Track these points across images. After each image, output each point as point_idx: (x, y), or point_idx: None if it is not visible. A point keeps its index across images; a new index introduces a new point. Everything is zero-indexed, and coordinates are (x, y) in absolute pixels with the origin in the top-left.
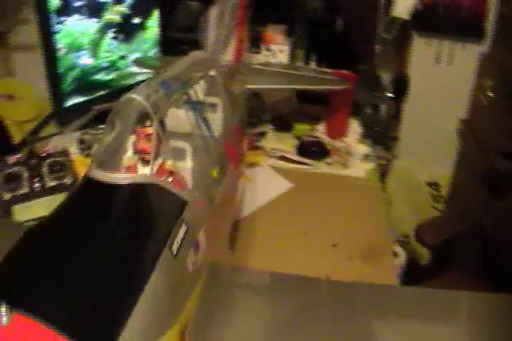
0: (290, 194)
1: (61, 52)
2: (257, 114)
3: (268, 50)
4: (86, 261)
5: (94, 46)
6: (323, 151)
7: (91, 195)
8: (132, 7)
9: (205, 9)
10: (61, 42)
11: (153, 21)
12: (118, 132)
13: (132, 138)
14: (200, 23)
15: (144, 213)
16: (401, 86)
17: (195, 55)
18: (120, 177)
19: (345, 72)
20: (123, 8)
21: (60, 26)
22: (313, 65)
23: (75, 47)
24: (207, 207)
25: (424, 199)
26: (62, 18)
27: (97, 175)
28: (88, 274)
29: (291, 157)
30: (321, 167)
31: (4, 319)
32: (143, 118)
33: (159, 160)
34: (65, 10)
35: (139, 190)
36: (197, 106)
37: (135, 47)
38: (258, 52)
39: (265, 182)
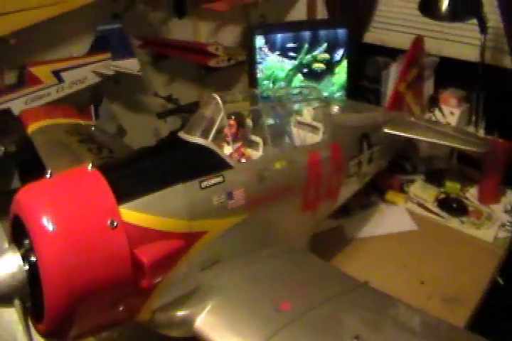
0: (410, 234)
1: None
2: (412, 163)
3: (440, 110)
4: (155, 168)
5: (288, 81)
6: (462, 209)
7: (173, 142)
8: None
9: (389, 65)
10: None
11: (342, 68)
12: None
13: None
14: (382, 75)
15: (195, 158)
16: None
17: None
18: (193, 139)
19: (500, 140)
20: (327, 56)
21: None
22: (481, 131)
23: (273, 78)
24: (254, 179)
25: None
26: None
27: (182, 135)
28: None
29: (429, 206)
30: (453, 222)
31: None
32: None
33: (238, 144)
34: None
35: (200, 148)
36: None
37: (323, 87)
38: (431, 111)
39: (394, 218)
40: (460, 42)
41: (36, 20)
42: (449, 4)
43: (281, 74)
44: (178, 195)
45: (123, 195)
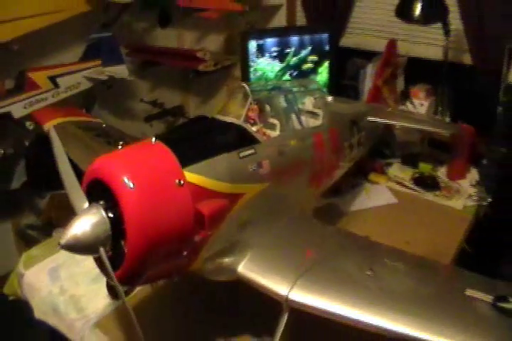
0: (392, 207)
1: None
2: (391, 148)
3: (411, 103)
4: (202, 143)
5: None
6: (435, 185)
7: (210, 123)
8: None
9: (365, 65)
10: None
11: (324, 69)
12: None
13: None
14: (360, 74)
15: (233, 134)
16: None
17: None
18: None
19: (465, 125)
20: (315, 57)
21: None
22: (447, 119)
23: (264, 78)
24: (276, 153)
25: None
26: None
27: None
28: (202, 144)
29: (407, 184)
30: (428, 195)
31: (153, 139)
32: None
33: (259, 126)
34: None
35: (236, 126)
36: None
37: None
38: (403, 104)
39: (378, 194)
40: (426, 43)
41: (36, 28)
42: (421, 10)
43: (271, 75)
44: (224, 162)
45: (183, 161)
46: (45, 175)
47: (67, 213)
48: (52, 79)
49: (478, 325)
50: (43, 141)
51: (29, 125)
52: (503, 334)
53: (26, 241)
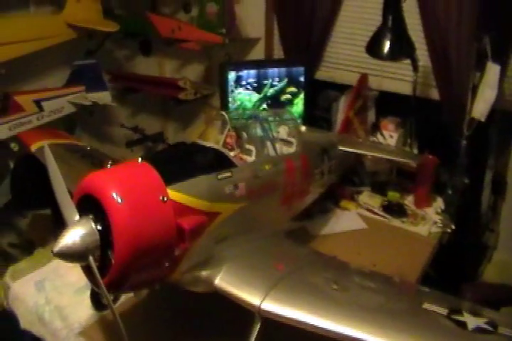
0: (361, 231)
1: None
2: (360, 177)
3: (381, 134)
4: (184, 165)
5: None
6: (402, 212)
7: (191, 147)
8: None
9: (338, 97)
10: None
11: (299, 100)
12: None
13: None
14: (333, 106)
15: (212, 159)
16: (499, 186)
17: None
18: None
19: (430, 156)
20: (294, 89)
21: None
22: (415, 150)
23: (241, 108)
24: (251, 177)
25: None
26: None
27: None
28: (184, 166)
29: (376, 211)
30: (395, 222)
31: (139, 159)
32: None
33: (236, 151)
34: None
35: (215, 151)
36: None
37: None
38: (374, 135)
39: (347, 219)
40: (396, 78)
41: (23, 53)
42: (389, 47)
43: (249, 105)
44: (204, 182)
45: (167, 180)
46: (29, 195)
47: (48, 233)
48: (38, 102)
49: (435, 334)
50: (27, 161)
51: (14, 146)
52: None
53: (7, 259)
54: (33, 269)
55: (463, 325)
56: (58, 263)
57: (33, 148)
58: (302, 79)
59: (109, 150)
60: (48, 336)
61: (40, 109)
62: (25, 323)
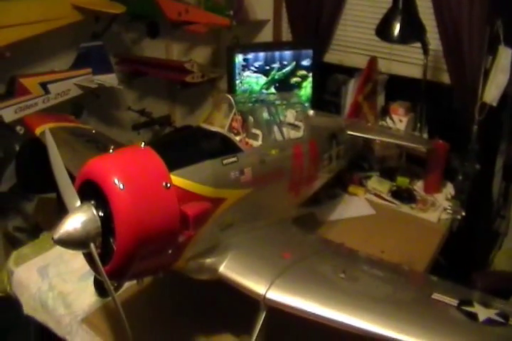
0: (369, 217)
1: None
2: (369, 162)
3: (391, 119)
4: (188, 150)
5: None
6: (411, 198)
7: (196, 131)
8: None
9: (347, 81)
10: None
11: (308, 83)
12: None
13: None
14: (341, 90)
15: (217, 142)
16: (511, 172)
17: None
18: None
19: (441, 141)
20: (304, 72)
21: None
22: (425, 135)
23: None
24: (258, 162)
25: None
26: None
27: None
28: (188, 151)
29: (385, 196)
30: (404, 208)
31: (142, 144)
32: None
33: (242, 136)
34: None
35: (221, 135)
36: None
37: None
38: (383, 120)
39: (356, 205)
40: (406, 62)
41: (28, 36)
42: (400, 30)
43: (257, 88)
44: (208, 168)
45: (170, 166)
46: (34, 179)
47: (54, 217)
48: (44, 85)
49: (444, 326)
50: (33, 145)
51: (19, 129)
52: (468, 336)
53: (13, 243)
54: (37, 254)
55: (473, 316)
56: (62, 248)
57: (38, 131)
58: (310, 62)
59: (116, 133)
60: (51, 322)
61: (46, 91)
62: (28, 309)
